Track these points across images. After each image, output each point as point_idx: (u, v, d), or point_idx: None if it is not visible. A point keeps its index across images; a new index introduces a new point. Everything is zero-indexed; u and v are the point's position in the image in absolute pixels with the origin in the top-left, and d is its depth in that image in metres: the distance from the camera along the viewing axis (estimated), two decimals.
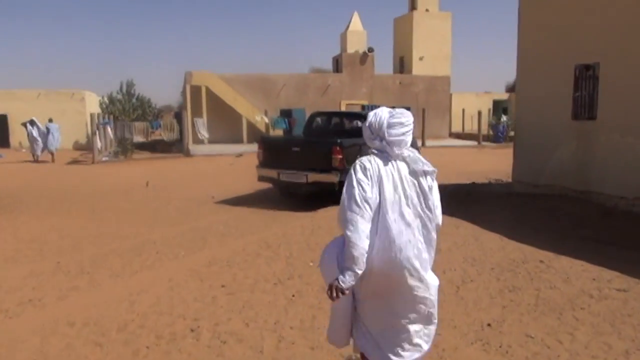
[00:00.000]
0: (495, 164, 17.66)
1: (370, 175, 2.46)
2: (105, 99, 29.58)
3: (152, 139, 21.27)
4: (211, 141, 26.72)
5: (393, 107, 2.73)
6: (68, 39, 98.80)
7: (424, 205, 2.54)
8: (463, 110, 34.92)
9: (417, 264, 2.51)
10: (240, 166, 16.97)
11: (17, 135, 29.99)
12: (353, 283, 2.45)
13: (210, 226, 7.92)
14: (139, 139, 20.06)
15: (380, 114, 2.56)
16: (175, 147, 22.75)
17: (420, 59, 33.37)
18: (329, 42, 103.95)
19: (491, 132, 29.78)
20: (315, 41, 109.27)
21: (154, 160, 20.34)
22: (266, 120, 23.26)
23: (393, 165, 2.53)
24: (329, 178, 9.07)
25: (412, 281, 2.52)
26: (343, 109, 23.20)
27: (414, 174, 2.55)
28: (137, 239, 7.12)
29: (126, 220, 8.60)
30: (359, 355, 2.82)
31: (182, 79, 27.76)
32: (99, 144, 20.37)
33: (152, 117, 27.87)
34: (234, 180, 13.50)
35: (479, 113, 27.52)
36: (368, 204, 2.42)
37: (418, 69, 33.30)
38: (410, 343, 2.59)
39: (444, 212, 2.68)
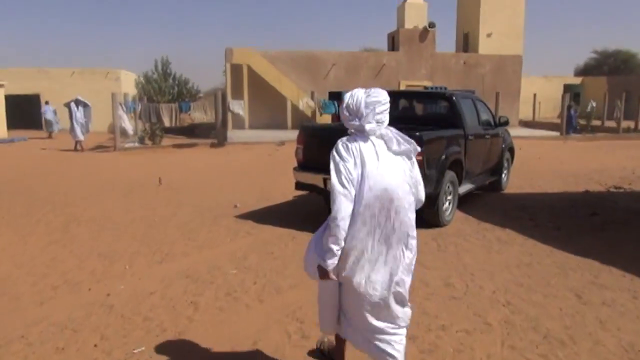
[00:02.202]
0: (594, 162, 14.08)
1: (353, 155, 2.50)
2: (141, 79, 27.34)
3: (180, 123, 18.64)
4: (252, 126, 24.04)
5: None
6: (105, 15, 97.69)
7: (406, 181, 2.55)
8: (535, 95, 30.84)
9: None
10: (280, 158, 14.10)
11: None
12: (335, 262, 2.54)
13: (215, 267, 5.05)
14: (166, 122, 17.52)
15: (357, 94, 2.57)
16: (213, 132, 20.15)
17: (488, 35, 29.44)
18: (383, 17, 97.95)
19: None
20: (367, 16, 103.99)
21: (183, 148, 17.79)
22: (312, 104, 20.25)
23: (373, 144, 2.54)
24: None
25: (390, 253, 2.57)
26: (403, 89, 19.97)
27: (392, 152, 2.54)
28: (78, 296, 4.32)
29: (97, 244, 5.88)
30: (332, 338, 3.04)
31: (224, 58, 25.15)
32: (129, 127, 18.00)
33: (188, 99, 25.42)
34: (270, 179, 10.63)
35: (563, 98, 23.58)
36: (352, 183, 2.47)
37: (485, 47, 29.40)
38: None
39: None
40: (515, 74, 29.11)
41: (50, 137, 23.87)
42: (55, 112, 24.43)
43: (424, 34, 27.95)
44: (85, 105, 18.10)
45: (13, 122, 26.26)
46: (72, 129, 17.64)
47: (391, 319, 2.59)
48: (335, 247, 2.49)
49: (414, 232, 2.59)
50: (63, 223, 6.96)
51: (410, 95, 8.46)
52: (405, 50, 27.81)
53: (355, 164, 2.47)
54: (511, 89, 28.51)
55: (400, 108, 8.31)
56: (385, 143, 2.56)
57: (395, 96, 8.47)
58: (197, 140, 20.25)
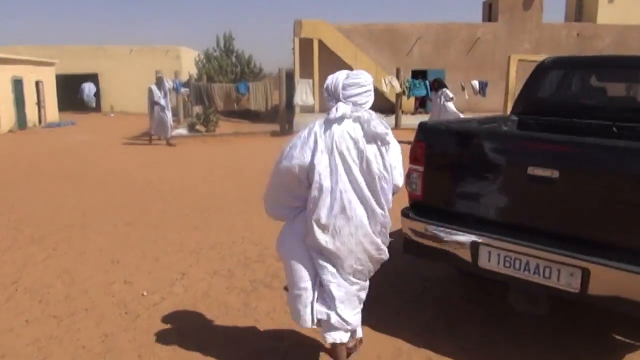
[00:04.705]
0: None
1: (313, 140, 2.44)
2: (202, 57, 24.63)
3: (238, 107, 15.58)
4: (323, 110, 20.67)
5: None
6: None
7: (380, 166, 2.50)
8: None
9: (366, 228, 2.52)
10: None
11: (107, 97, 26.40)
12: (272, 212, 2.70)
13: None
14: (219, 105, 14.54)
15: (337, 76, 2.55)
16: (277, 118, 16.95)
17: (610, 1, 24.30)
18: None
19: None
20: None
21: (239, 137, 14.76)
22: (396, 84, 16.51)
23: (346, 127, 2.46)
24: None
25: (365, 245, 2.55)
26: (513, 65, 15.78)
27: (367, 136, 2.48)
28: None
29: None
30: None
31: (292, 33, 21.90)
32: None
33: (251, 79, 22.41)
34: None
35: None
36: (298, 166, 2.44)
37: (605, 16, 24.32)
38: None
39: None
40: None
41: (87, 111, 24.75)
42: (90, 90, 24.98)
43: (530, 0, 23.33)
44: (165, 94, 13.48)
45: (69, 104, 24.44)
46: (156, 119, 13.30)
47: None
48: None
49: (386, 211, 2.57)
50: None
51: (607, 64, 4.64)
52: (505, 20, 23.38)
53: (313, 145, 2.43)
54: None
55: (585, 89, 4.60)
56: (361, 126, 2.48)
57: (570, 66, 4.73)
58: (258, 127, 17.22)
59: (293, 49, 22.44)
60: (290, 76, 18.98)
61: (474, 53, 23.34)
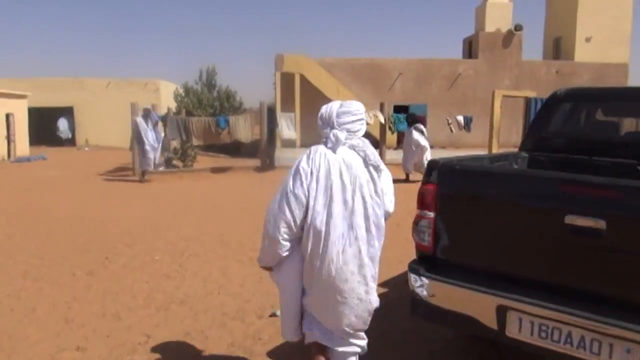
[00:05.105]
0: None
1: (312, 169, 2.45)
2: (181, 90, 24.16)
3: (219, 140, 14.96)
4: (304, 145, 20.24)
5: None
6: (145, 23, 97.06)
7: (372, 192, 2.52)
8: None
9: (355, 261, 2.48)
10: None
11: (83, 130, 25.65)
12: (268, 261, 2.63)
13: None
14: (196, 140, 13.99)
15: (331, 105, 2.62)
16: (258, 152, 16.37)
17: (587, 40, 24.69)
18: (456, 20, 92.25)
19: None
20: (436, 21, 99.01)
21: (219, 173, 14.15)
22: (381, 118, 16.18)
23: (341, 153, 2.50)
24: None
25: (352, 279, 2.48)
26: (497, 101, 15.59)
27: (361, 162, 2.53)
28: None
29: None
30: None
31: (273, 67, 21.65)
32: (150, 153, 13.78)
33: (231, 113, 21.95)
34: None
35: None
36: (298, 198, 2.43)
37: (582, 53, 24.65)
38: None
39: None
40: (620, 85, 24.20)
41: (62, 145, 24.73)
42: (65, 126, 25.59)
43: (509, 38, 23.65)
44: (156, 123, 13.29)
45: (42, 138, 23.63)
46: (141, 154, 12.69)
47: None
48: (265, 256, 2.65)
49: (381, 239, 2.57)
50: None
51: (627, 96, 4.23)
52: (485, 57, 23.58)
53: (311, 173, 2.44)
54: None
55: (601, 124, 4.20)
56: (356, 153, 2.54)
57: (585, 99, 4.33)
58: (237, 162, 16.66)
59: (274, 83, 22.16)
60: (271, 110, 18.61)
61: (456, 89, 23.38)
